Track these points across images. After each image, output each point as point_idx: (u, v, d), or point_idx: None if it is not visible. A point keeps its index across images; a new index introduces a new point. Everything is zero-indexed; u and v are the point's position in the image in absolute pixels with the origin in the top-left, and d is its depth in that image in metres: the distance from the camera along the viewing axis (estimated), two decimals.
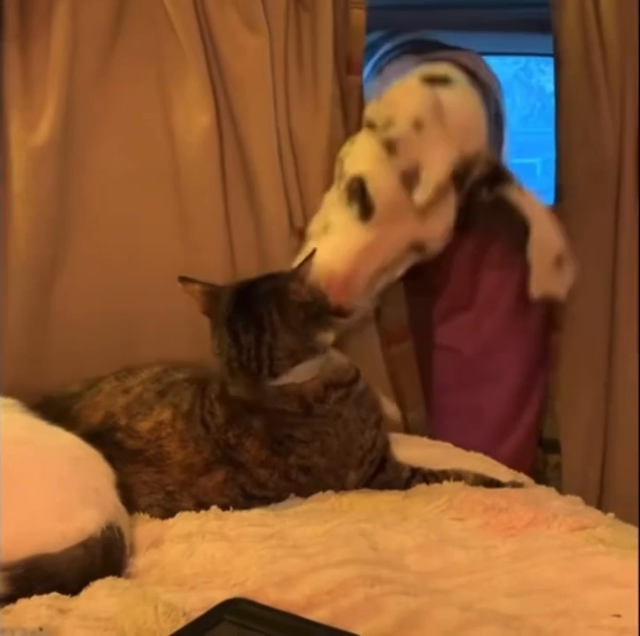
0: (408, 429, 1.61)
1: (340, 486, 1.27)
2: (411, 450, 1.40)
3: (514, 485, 1.31)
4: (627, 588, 0.98)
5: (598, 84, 1.63)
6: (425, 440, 1.49)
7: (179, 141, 1.48)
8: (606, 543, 1.08)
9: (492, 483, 1.30)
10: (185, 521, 1.19)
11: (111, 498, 1.13)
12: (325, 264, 1.37)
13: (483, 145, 1.44)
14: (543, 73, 3.71)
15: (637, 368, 1.70)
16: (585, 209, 1.68)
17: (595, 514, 1.23)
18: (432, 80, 1.45)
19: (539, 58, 3.03)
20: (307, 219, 1.52)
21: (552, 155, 1.71)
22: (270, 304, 1.19)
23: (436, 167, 1.37)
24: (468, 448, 1.49)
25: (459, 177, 1.40)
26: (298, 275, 1.22)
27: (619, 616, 0.93)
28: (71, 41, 1.40)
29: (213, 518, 1.19)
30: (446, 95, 1.43)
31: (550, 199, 1.74)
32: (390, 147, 1.37)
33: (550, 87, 1.77)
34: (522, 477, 1.37)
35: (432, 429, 1.63)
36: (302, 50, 1.51)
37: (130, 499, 1.21)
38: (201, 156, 1.47)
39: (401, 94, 1.42)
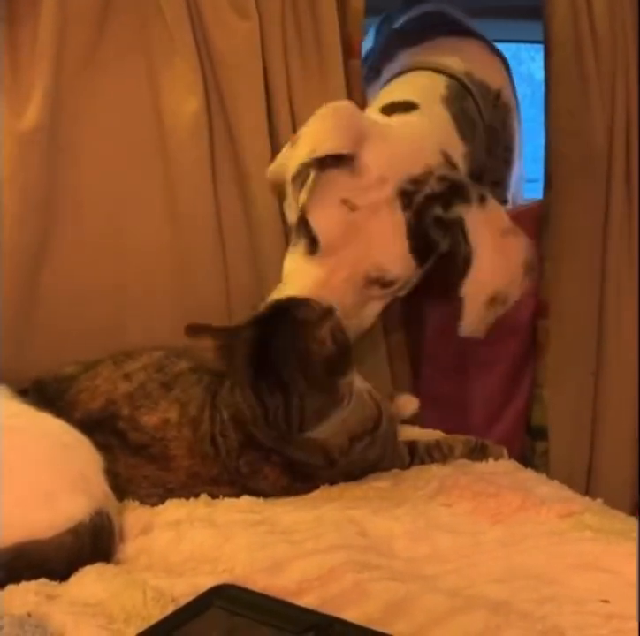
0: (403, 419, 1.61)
1: None
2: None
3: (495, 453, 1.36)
4: (614, 574, 0.99)
5: (588, 71, 1.63)
6: (416, 429, 1.49)
7: (167, 125, 1.47)
8: (594, 529, 1.09)
9: (477, 447, 1.35)
10: (174, 508, 1.19)
11: (100, 484, 1.13)
12: None
13: (432, 165, 1.34)
14: (533, 60, 3.69)
15: (636, 357, 1.70)
16: (575, 197, 1.68)
17: (583, 500, 1.24)
18: (392, 109, 1.41)
19: (529, 45, 3.03)
20: None
21: (541, 142, 1.71)
22: (293, 368, 1.12)
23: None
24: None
25: (405, 193, 1.30)
26: (319, 336, 1.13)
27: (606, 601, 0.94)
28: (59, 24, 1.39)
29: (202, 505, 1.19)
30: (401, 120, 1.38)
31: (539, 187, 1.74)
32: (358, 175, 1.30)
33: (540, 74, 1.77)
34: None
35: (422, 417, 1.63)
36: (303, 35, 1.49)
37: (127, 489, 1.20)
38: (189, 140, 1.46)
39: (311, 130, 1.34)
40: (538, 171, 1.74)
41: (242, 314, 1.47)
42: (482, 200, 1.33)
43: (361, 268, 1.30)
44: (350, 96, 1.53)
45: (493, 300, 1.34)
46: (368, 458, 1.25)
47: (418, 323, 1.70)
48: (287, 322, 1.15)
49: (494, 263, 1.32)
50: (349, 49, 1.53)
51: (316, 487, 1.24)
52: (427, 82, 1.52)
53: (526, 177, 1.97)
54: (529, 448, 1.74)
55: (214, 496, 1.21)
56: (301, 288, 1.26)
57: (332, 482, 1.24)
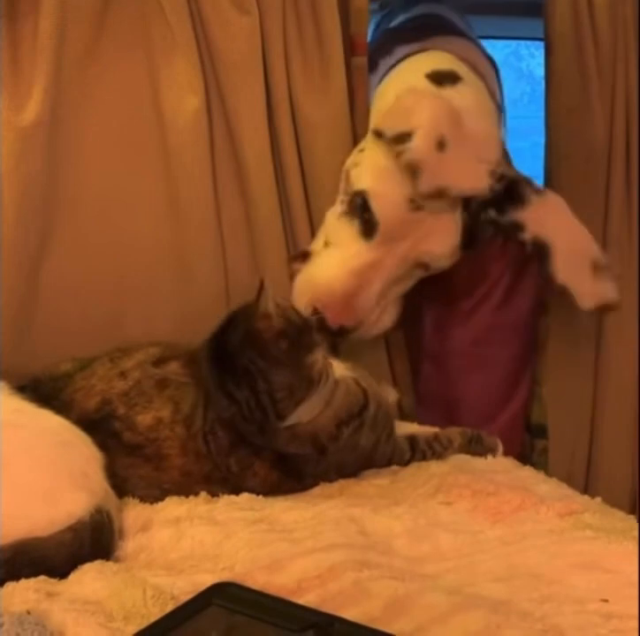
0: (402, 414, 1.61)
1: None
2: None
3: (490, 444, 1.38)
4: (614, 573, 0.99)
5: (588, 68, 1.62)
6: (414, 426, 1.49)
7: (167, 122, 1.46)
8: (594, 528, 1.09)
9: (474, 438, 1.37)
10: (174, 505, 1.19)
11: (100, 482, 1.13)
12: (324, 282, 1.36)
13: (499, 153, 1.38)
14: (533, 57, 3.70)
15: (636, 355, 1.70)
16: (574, 194, 1.67)
17: (582, 499, 1.24)
18: (440, 78, 1.41)
19: (529, 42, 3.03)
20: (310, 203, 1.51)
21: (541, 139, 1.71)
22: (249, 351, 1.13)
23: (470, 187, 1.33)
24: None
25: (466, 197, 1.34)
26: (260, 312, 1.14)
27: (606, 600, 0.94)
28: (59, 20, 1.39)
29: (202, 503, 1.19)
30: (457, 97, 1.38)
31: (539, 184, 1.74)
32: (412, 171, 1.31)
33: (540, 71, 1.76)
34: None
35: (420, 414, 1.63)
36: (304, 32, 1.48)
37: (124, 489, 1.20)
38: (190, 138, 1.46)
39: (415, 105, 1.35)
40: (538, 169, 1.73)
41: None
42: (538, 193, 1.39)
43: (413, 256, 1.36)
44: (354, 94, 1.53)
45: (595, 268, 1.39)
46: (358, 443, 1.24)
47: (417, 322, 1.70)
48: (237, 324, 1.16)
49: (574, 241, 1.39)
50: (354, 46, 1.53)
51: (309, 483, 1.24)
52: (450, 59, 1.51)
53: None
54: (529, 446, 1.74)
55: (211, 495, 1.22)
56: (353, 269, 1.33)
57: (323, 476, 1.24)
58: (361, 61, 1.54)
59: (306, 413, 1.17)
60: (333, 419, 1.20)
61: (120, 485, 1.19)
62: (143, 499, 1.21)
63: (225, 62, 1.46)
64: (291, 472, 1.23)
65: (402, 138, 1.32)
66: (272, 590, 0.93)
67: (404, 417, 1.61)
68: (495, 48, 2.13)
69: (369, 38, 1.82)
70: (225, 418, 1.18)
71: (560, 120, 1.66)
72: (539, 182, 1.72)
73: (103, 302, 1.49)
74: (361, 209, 1.35)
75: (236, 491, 1.22)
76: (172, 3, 1.43)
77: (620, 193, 1.68)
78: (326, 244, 1.39)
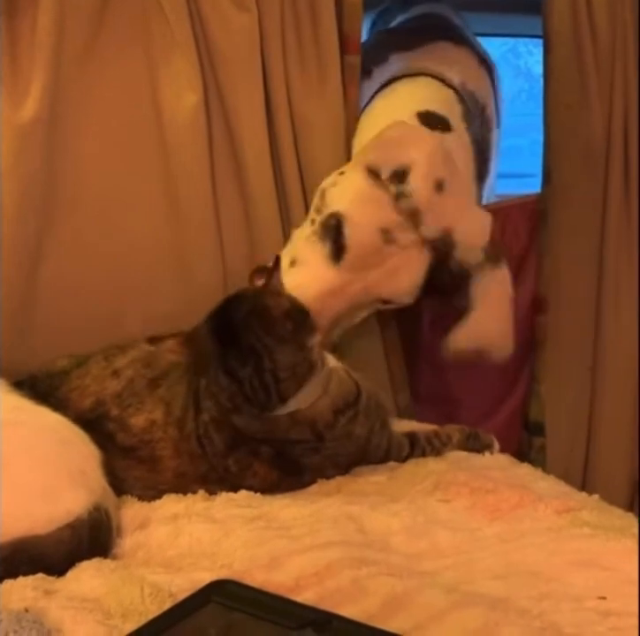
0: (399, 411, 1.62)
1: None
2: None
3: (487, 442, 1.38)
4: (612, 571, 0.99)
5: (587, 66, 1.62)
6: (413, 423, 1.50)
7: (166, 119, 1.46)
8: (592, 526, 1.09)
9: (471, 435, 1.37)
10: (172, 503, 1.19)
11: (99, 480, 1.13)
12: None
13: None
14: (531, 55, 3.70)
15: (634, 353, 1.70)
16: (573, 192, 1.68)
17: (580, 496, 1.24)
18: (432, 123, 1.41)
19: (528, 39, 3.03)
20: (308, 201, 1.51)
21: (539, 136, 1.71)
22: (256, 328, 1.12)
23: (474, 230, 1.32)
24: None
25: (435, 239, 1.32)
26: (272, 288, 1.16)
27: (604, 598, 0.94)
28: (57, 17, 1.38)
29: (200, 500, 1.19)
30: (448, 144, 1.37)
31: (536, 182, 1.74)
32: (413, 216, 1.29)
33: (538, 68, 1.76)
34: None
35: (418, 412, 1.64)
36: (301, 30, 1.48)
37: (121, 489, 1.20)
38: (188, 135, 1.46)
39: (409, 140, 1.33)
40: (536, 166, 1.73)
41: None
42: (496, 261, 1.35)
43: (376, 291, 1.33)
44: (345, 92, 1.53)
45: (482, 352, 1.37)
46: (353, 432, 1.24)
47: (414, 319, 1.70)
48: (242, 301, 1.16)
49: (490, 323, 1.36)
50: (347, 45, 1.52)
51: (307, 479, 1.24)
52: (443, 95, 1.51)
53: (523, 173, 1.97)
54: (527, 443, 1.74)
55: (208, 493, 1.21)
56: (317, 292, 1.29)
57: (321, 470, 1.24)
58: (353, 59, 1.53)
59: (306, 398, 1.17)
60: (330, 406, 1.21)
61: (117, 485, 1.19)
62: (140, 499, 1.21)
63: (224, 59, 1.46)
64: (290, 468, 1.23)
65: (398, 176, 1.29)
66: (270, 588, 0.93)
67: (401, 414, 1.62)
68: (493, 45, 2.14)
69: (363, 37, 1.83)
70: (228, 407, 1.17)
71: (558, 117, 1.66)
72: (538, 179, 1.73)
73: (102, 300, 1.49)
74: (334, 231, 1.32)
75: (234, 490, 1.22)
76: (171, 1, 1.42)
77: (618, 190, 1.68)
78: (292, 263, 1.35)
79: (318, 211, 1.37)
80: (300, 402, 1.17)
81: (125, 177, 1.48)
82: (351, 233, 1.30)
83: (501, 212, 1.57)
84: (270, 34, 1.46)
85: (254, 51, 1.46)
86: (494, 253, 1.35)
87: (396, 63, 1.61)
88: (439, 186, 1.29)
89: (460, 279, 1.34)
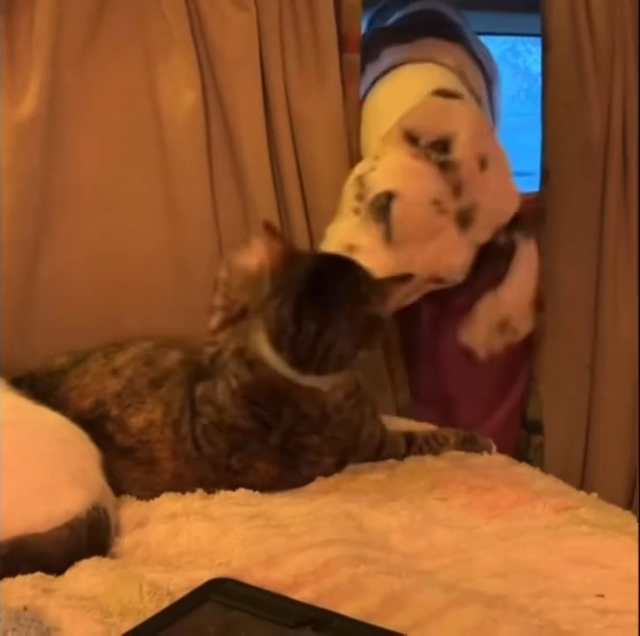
0: (399, 410, 1.62)
1: (339, 470, 1.28)
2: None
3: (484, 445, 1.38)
4: (610, 569, 0.99)
5: (585, 65, 1.62)
6: (411, 422, 1.50)
7: (164, 118, 1.47)
8: (590, 524, 1.09)
9: (468, 439, 1.37)
10: (170, 501, 1.19)
11: (97, 479, 1.13)
12: None
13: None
14: (530, 54, 3.70)
15: (634, 351, 1.70)
16: (571, 191, 1.68)
17: (579, 495, 1.24)
18: (447, 95, 1.39)
19: (527, 38, 3.03)
20: (307, 200, 1.52)
21: (538, 135, 1.71)
22: (345, 307, 1.14)
23: (499, 211, 1.33)
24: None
25: None
26: (384, 290, 1.18)
27: (602, 596, 0.94)
28: (55, 15, 1.39)
29: (198, 499, 1.19)
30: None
31: (535, 181, 1.74)
32: (455, 186, 1.28)
33: (537, 67, 1.76)
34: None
35: (417, 412, 1.64)
36: (300, 28, 1.48)
37: (120, 489, 1.20)
38: (187, 133, 1.46)
39: (449, 109, 1.32)
40: (534, 165, 1.73)
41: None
42: (527, 234, 1.37)
43: (432, 267, 1.31)
44: (344, 91, 1.52)
45: (505, 325, 1.37)
46: (353, 419, 1.26)
47: (414, 319, 1.70)
48: (353, 269, 1.18)
49: (521, 293, 1.36)
50: (346, 43, 1.52)
51: (306, 472, 1.25)
52: (449, 76, 1.50)
53: (522, 172, 1.97)
54: (525, 442, 1.74)
55: (207, 492, 1.22)
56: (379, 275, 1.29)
57: (319, 462, 1.25)
58: (352, 58, 1.53)
59: (331, 384, 1.20)
60: (342, 390, 1.22)
61: (116, 485, 1.19)
62: (139, 499, 1.21)
63: (222, 58, 1.46)
64: (290, 463, 1.23)
65: (441, 145, 1.28)
66: (269, 586, 0.93)
67: (400, 413, 1.62)
68: (492, 44, 2.13)
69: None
70: (273, 330, 1.16)
71: (557, 117, 1.66)
72: (536, 179, 1.73)
73: (101, 299, 1.49)
74: (386, 210, 1.29)
75: (233, 488, 1.22)
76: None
77: (617, 189, 1.68)
78: (350, 249, 1.31)
79: (360, 198, 1.33)
80: (323, 384, 1.18)
81: (123, 176, 1.48)
82: (403, 209, 1.28)
83: None
84: (268, 32, 1.46)
85: (252, 50, 1.46)
86: (525, 227, 1.37)
87: (387, 57, 1.60)
88: (483, 162, 1.29)
89: (502, 253, 1.35)
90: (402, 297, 1.32)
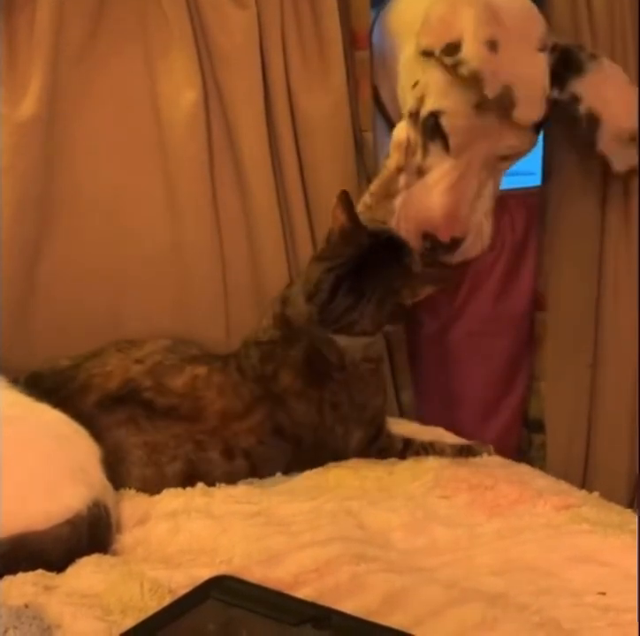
0: (402, 410, 1.62)
1: (345, 445, 1.33)
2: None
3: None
4: (611, 567, 1.00)
5: None
6: (415, 425, 1.50)
7: (165, 117, 1.46)
8: (591, 522, 1.09)
9: (464, 450, 1.38)
10: (171, 498, 1.19)
11: (98, 475, 1.13)
12: (427, 207, 1.42)
13: (542, 22, 1.40)
14: None
15: (634, 350, 1.70)
16: (573, 189, 1.67)
17: (580, 493, 1.24)
18: None
19: None
20: (308, 197, 1.52)
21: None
22: (377, 295, 1.27)
23: (533, 80, 1.36)
24: (453, 427, 1.51)
25: None
26: (416, 286, 1.30)
27: (603, 594, 0.94)
28: (56, 13, 1.38)
29: (199, 495, 1.20)
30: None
31: (535, 180, 1.74)
32: (474, 80, 1.32)
33: None
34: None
35: (420, 410, 1.64)
36: (302, 25, 1.48)
37: (150, 458, 1.25)
38: (187, 132, 1.46)
39: (452, 13, 1.35)
40: (536, 164, 1.73)
41: (239, 308, 1.50)
42: (593, 59, 1.44)
43: (493, 154, 1.41)
44: (355, 89, 1.53)
45: (633, 139, 1.46)
46: (368, 382, 1.34)
47: (417, 317, 1.70)
48: (399, 258, 1.30)
49: (623, 110, 1.45)
50: (355, 40, 1.53)
51: (326, 397, 1.31)
52: None
53: (523, 171, 1.96)
54: (526, 441, 1.74)
55: (239, 431, 1.29)
56: (447, 188, 1.40)
57: (337, 404, 1.31)
58: (363, 55, 1.54)
59: (351, 345, 1.31)
60: (361, 353, 1.32)
61: (147, 455, 1.25)
62: (171, 460, 1.26)
63: (223, 55, 1.46)
64: (312, 382, 1.31)
65: (451, 49, 1.33)
66: (270, 584, 0.93)
67: (404, 412, 1.62)
68: None
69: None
70: (311, 288, 1.29)
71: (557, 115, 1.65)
72: (538, 174, 1.72)
73: (102, 297, 1.49)
74: (437, 127, 1.38)
75: (272, 403, 1.30)
76: None
77: (618, 188, 1.67)
78: (419, 173, 1.43)
79: (415, 123, 1.42)
80: (345, 342, 1.29)
81: (123, 175, 1.48)
82: (449, 123, 1.38)
83: (498, 202, 1.56)
84: (269, 29, 1.46)
85: (252, 47, 1.45)
86: (588, 54, 1.44)
87: None
88: (492, 45, 1.31)
89: (569, 104, 1.43)
90: (486, 182, 1.44)
